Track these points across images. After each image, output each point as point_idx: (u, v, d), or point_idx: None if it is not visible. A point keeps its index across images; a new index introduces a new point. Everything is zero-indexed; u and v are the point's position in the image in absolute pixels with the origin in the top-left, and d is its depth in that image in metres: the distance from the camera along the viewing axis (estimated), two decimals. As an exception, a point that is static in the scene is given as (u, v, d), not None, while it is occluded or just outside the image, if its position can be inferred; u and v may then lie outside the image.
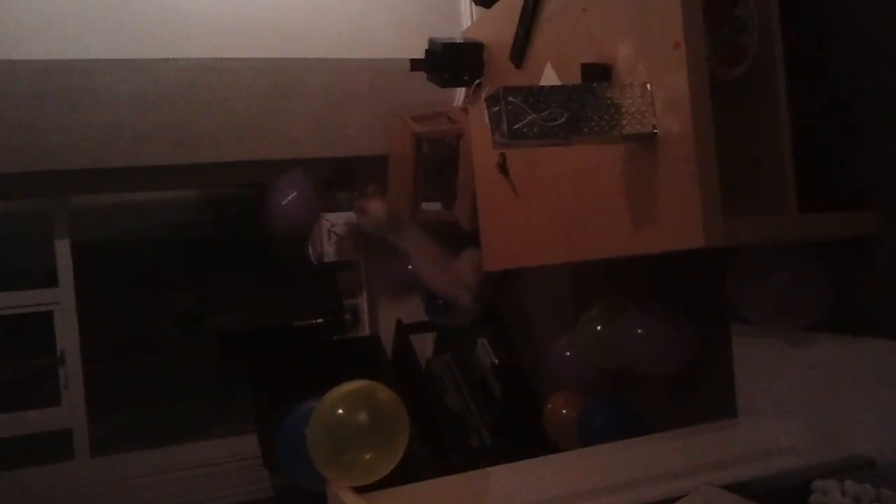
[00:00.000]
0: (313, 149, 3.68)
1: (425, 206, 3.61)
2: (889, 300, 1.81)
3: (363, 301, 4.06)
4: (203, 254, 4.78)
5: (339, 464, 1.61)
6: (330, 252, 3.95)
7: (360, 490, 1.65)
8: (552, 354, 2.77)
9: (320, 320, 4.10)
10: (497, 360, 3.51)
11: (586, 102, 1.62)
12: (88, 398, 3.70)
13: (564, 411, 2.83)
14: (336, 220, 3.98)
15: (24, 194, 3.73)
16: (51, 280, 3.70)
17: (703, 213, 1.57)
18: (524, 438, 2.99)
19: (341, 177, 4.07)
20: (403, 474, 1.71)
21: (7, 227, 4.14)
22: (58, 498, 3.47)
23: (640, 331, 2.34)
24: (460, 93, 3.55)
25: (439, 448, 2.98)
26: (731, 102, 1.80)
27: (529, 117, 1.54)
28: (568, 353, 2.68)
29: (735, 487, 1.63)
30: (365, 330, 4.04)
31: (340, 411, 1.62)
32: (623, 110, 1.65)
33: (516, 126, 1.54)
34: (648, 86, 1.67)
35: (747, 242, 1.74)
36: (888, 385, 1.74)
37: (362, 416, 1.60)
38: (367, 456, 1.60)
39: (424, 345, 3.96)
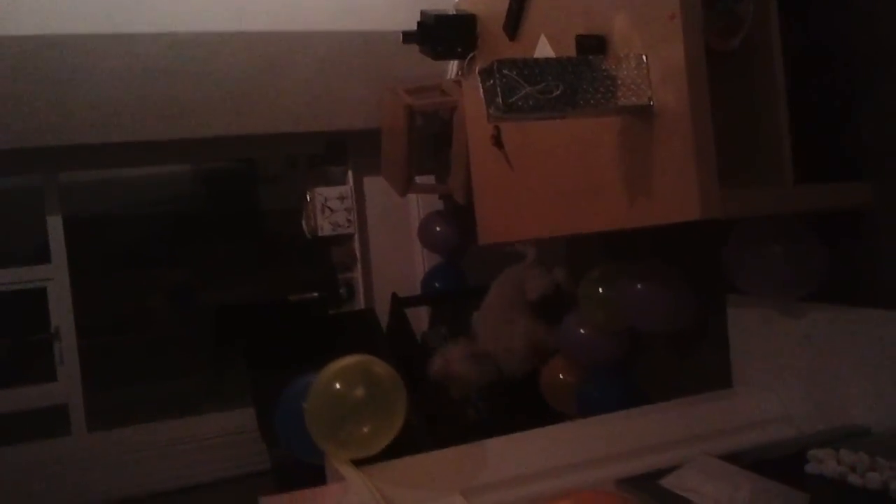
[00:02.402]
0: (305, 122, 3.66)
1: (419, 179, 3.60)
2: (885, 271, 1.82)
3: (358, 275, 4.06)
4: (196, 229, 4.76)
5: (337, 438, 1.62)
6: (324, 226, 3.94)
7: (357, 463, 1.66)
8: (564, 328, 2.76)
9: (315, 294, 4.10)
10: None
11: (582, 75, 1.61)
12: (83, 374, 3.71)
13: (561, 376, 2.85)
14: (329, 194, 3.97)
15: (14, 171, 3.70)
16: (43, 257, 3.69)
17: (699, 186, 1.57)
18: (521, 410, 3.01)
19: (333, 150, 4.05)
20: (400, 447, 1.72)
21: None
22: (55, 473, 3.48)
23: (640, 285, 2.33)
24: (453, 65, 3.53)
25: (435, 421, 2.99)
26: (727, 73, 1.79)
27: (524, 90, 1.53)
28: (582, 331, 2.67)
29: (731, 457, 1.64)
30: (360, 303, 4.05)
31: (338, 386, 1.62)
32: (619, 82, 1.64)
33: (511, 99, 1.53)
34: (644, 57, 1.66)
35: (744, 214, 1.74)
36: (883, 355, 1.75)
37: (360, 391, 1.60)
38: (365, 429, 1.61)
39: (419, 318, 3.97)
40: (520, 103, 1.53)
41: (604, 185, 1.87)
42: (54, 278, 3.66)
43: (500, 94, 1.53)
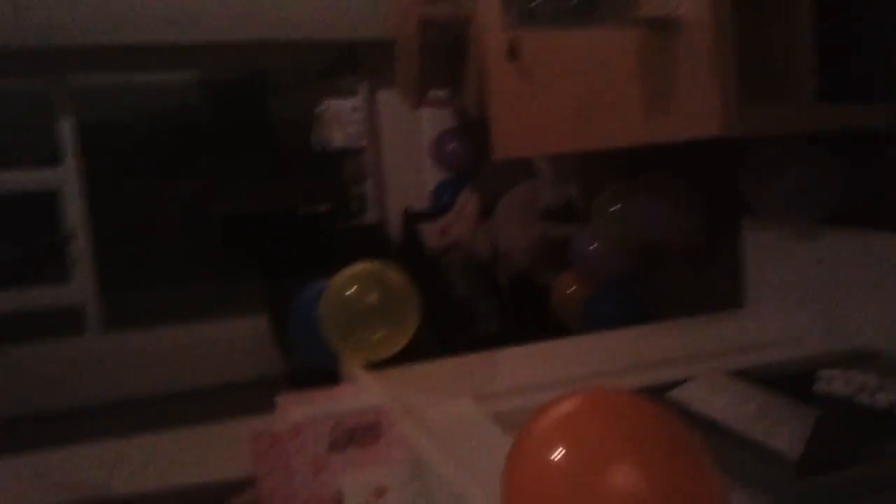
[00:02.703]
0: (315, 30, 3.59)
1: (432, 93, 3.55)
2: (900, 194, 1.81)
3: (369, 188, 4.05)
4: (207, 140, 4.74)
5: (351, 341, 1.64)
6: (336, 138, 3.92)
7: (372, 367, 1.69)
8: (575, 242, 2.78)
9: (326, 207, 4.11)
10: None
11: (604, -18, 1.57)
12: (97, 278, 3.75)
13: (571, 290, 2.89)
14: (341, 107, 3.93)
15: (23, 72, 3.67)
16: (54, 162, 3.69)
17: (719, 102, 1.54)
18: (530, 325, 3.04)
19: (346, 61, 3.99)
20: (411, 358, 1.75)
21: (11, 108, 4.09)
22: (69, 372, 3.56)
23: (653, 197, 2.34)
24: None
25: (446, 334, 3.04)
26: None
27: (545, -3, 1.50)
28: (593, 246, 2.69)
29: (739, 374, 1.66)
30: (371, 217, 4.05)
31: (352, 290, 1.64)
32: (642, -8, 1.60)
33: (530, 5, 1.50)
34: (670, -34, 1.61)
35: (764, 132, 1.72)
36: None
37: (373, 296, 1.62)
38: (378, 334, 1.63)
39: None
40: (538, 10, 1.50)
41: (622, 100, 1.84)
42: (67, 180, 3.67)
43: (517, 0, 1.49)
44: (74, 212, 3.69)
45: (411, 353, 1.75)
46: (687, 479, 0.74)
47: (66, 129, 3.66)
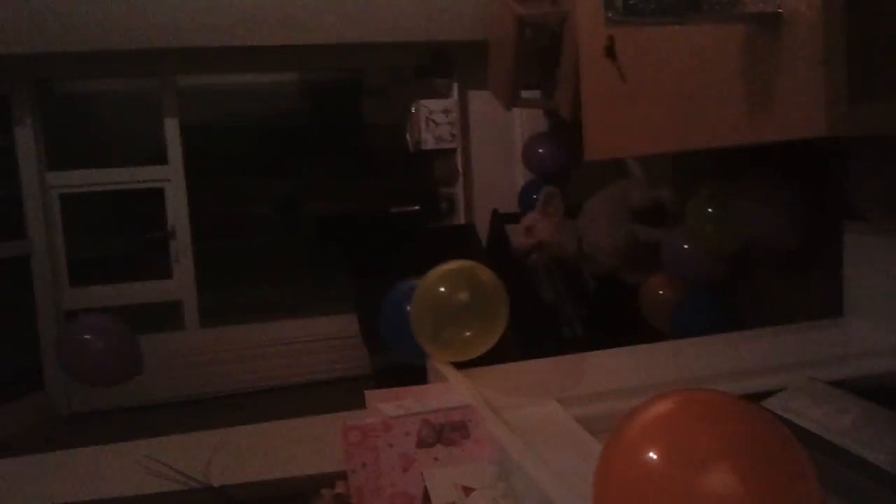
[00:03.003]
0: (410, 32, 3.64)
1: (525, 94, 3.54)
2: None
3: (459, 189, 4.07)
4: (302, 141, 4.85)
5: (439, 339, 1.64)
6: (428, 139, 3.95)
7: (457, 366, 1.69)
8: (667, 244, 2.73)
9: (416, 208, 4.14)
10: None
11: (708, -23, 1.53)
12: (196, 274, 3.89)
13: (661, 292, 2.84)
14: (434, 108, 3.96)
15: (133, 72, 3.84)
16: (160, 160, 3.84)
17: (827, 100, 1.49)
18: (617, 329, 3.00)
19: (439, 62, 4.02)
20: (495, 360, 1.74)
21: (119, 107, 4.28)
22: (169, 364, 3.70)
23: (752, 196, 2.26)
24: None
25: (531, 337, 3.02)
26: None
27: (646, -8, 1.47)
28: (686, 247, 2.63)
29: (839, 384, 1.60)
30: (460, 218, 4.07)
31: (443, 288, 1.64)
32: (747, -13, 1.55)
33: (632, 1, 1.47)
34: (777, -40, 1.56)
35: (871, 131, 1.65)
36: None
37: (464, 294, 1.62)
38: (468, 333, 1.63)
39: (519, 235, 3.96)
40: (640, 6, 1.47)
41: (722, 99, 1.79)
42: (171, 179, 3.81)
43: (619, -4, 1.47)
44: (177, 210, 3.83)
45: (496, 355, 1.74)
46: (784, 486, 0.72)
47: (172, 129, 3.81)
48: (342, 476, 1.32)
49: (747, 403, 0.78)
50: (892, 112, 1.63)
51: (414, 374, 1.85)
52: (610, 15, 1.52)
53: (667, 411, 0.78)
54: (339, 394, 3.47)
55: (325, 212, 4.58)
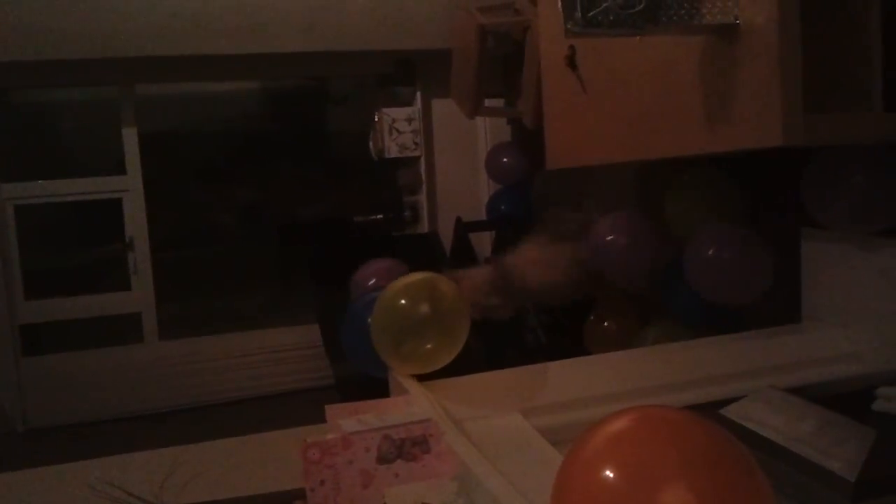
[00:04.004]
0: (374, 41, 3.63)
1: (488, 102, 3.54)
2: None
3: (423, 198, 4.06)
4: (264, 148, 4.80)
5: (400, 352, 1.63)
6: (391, 147, 3.93)
7: (419, 379, 1.68)
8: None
9: (380, 216, 4.13)
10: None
11: (666, -11, 1.54)
12: (155, 285, 3.83)
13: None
14: (397, 116, 3.95)
15: (90, 81, 3.77)
16: (119, 170, 3.77)
17: (782, 110, 1.50)
18: (580, 338, 3.00)
19: (402, 71, 4.01)
20: (459, 369, 1.73)
21: (76, 117, 4.21)
22: (128, 378, 3.63)
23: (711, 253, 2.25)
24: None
25: (494, 345, 3.00)
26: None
27: (605, 4, 1.47)
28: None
29: (796, 391, 1.61)
30: (424, 227, 4.06)
31: (403, 301, 1.63)
32: (704, -1, 1.57)
33: (591, 13, 1.47)
34: (733, -28, 1.57)
35: (828, 141, 1.67)
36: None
37: (425, 307, 1.61)
38: (429, 346, 1.62)
39: (483, 243, 3.97)
40: (599, 17, 1.47)
41: (681, 109, 1.80)
42: (130, 189, 3.75)
43: (579, 7, 1.47)
44: (135, 220, 3.77)
45: (459, 365, 1.73)
46: (738, 502, 0.71)
47: (130, 139, 3.75)
48: (301, 495, 1.30)
49: (704, 420, 0.77)
50: (847, 122, 1.66)
51: (378, 384, 1.83)
52: (569, 26, 1.52)
53: (624, 428, 0.78)
54: (303, 405, 3.42)
55: (288, 220, 4.53)
